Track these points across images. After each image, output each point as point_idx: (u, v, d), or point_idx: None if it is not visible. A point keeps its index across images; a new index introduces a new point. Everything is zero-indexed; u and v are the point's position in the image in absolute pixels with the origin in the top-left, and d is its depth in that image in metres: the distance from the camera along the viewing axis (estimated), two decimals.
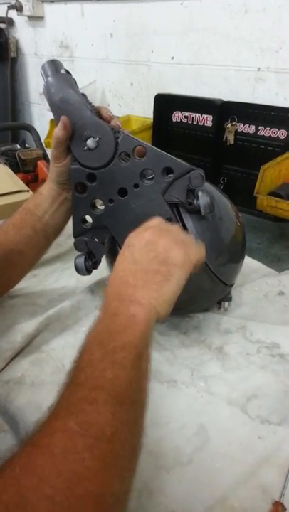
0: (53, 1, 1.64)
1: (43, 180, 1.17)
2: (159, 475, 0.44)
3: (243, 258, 0.67)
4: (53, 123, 1.52)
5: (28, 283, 0.70)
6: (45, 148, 1.37)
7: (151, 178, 0.54)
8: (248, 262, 0.87)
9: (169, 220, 0.53)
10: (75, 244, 0.59)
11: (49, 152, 1.30)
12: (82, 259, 0.58)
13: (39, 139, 1.35)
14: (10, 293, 0.71)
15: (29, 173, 1.15)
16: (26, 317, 0.68)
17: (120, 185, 0.55)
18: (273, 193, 0.98)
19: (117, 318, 0.39)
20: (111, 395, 0.32)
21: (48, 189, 0.63)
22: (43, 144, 1.41)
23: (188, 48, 1.22)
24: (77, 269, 0.59)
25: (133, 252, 0.44)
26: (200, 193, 0.52)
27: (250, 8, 1.09)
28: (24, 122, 1.88)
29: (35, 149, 1.22)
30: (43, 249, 0.67)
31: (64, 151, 0.57)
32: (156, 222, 0.47)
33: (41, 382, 0.56)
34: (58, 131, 0.55)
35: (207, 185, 0.56)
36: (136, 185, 0.55)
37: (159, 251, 0.43)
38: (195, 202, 0.52)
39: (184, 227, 0.54)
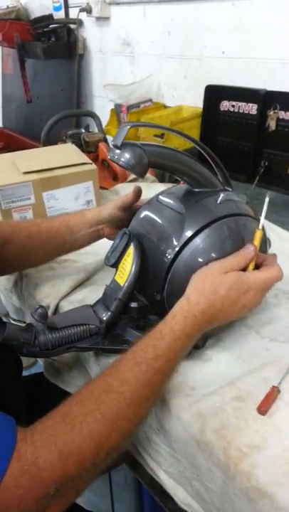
0: (118, 3, 1.80)
1: (103, 160, 1.34)
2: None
3: None
4: (114, 112, 1.68)
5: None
6: (106, 135, 1.54)
7: None
8: (282, 233, 0.97)
9: None
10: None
11: (109, 138, 1.47)
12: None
13: (101, 125, 1.51)
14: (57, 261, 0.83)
15: (91, 153, 1.31)
16: (85, 264, 0.84)
17: None
18: None
19: None
20: None
21: (91, 216, 0.74)
22: (104, 130, 1.58)
23: (238, 43, 1.33)
24: None
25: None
26: None
27: None
28: (89, 110, 2.08)
29: (97, 133, 1.38)
30: (61, 255, 0.79)
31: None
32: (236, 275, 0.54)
33: None
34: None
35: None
36: None
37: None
38: None
39: None
